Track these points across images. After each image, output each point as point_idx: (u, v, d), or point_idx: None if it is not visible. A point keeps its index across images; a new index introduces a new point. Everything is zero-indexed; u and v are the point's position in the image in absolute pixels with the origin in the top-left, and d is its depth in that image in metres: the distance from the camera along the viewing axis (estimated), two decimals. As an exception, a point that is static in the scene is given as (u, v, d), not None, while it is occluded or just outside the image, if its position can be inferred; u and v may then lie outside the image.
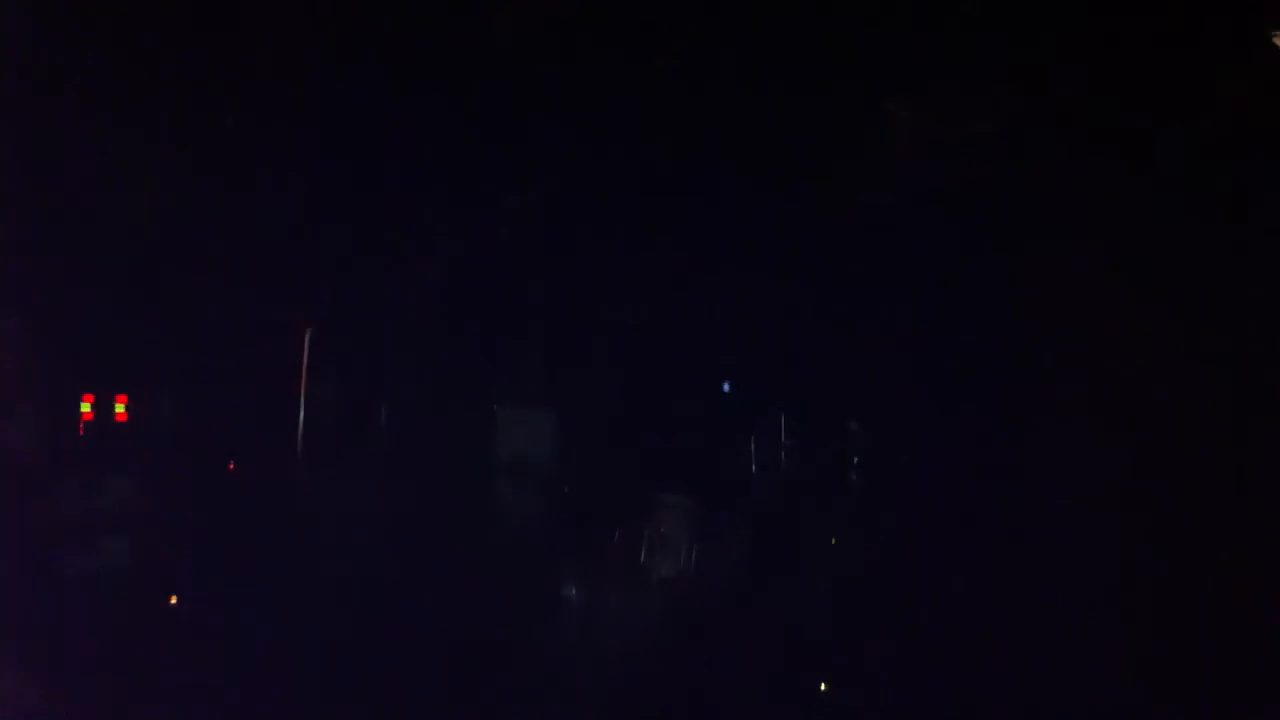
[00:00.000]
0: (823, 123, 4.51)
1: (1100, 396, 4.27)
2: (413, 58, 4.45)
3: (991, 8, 4.19)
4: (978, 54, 4.31)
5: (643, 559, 4.90)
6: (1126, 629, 4.09)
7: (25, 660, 3.96)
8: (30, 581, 4.08)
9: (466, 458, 4.94)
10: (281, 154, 4.51)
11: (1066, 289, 4.33)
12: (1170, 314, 4.18)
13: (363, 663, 4.31)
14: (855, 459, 4.92)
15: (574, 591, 4.84)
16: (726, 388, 5.04)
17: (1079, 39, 4.16)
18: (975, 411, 4.45)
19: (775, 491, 4.98)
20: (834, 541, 4.82)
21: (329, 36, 4.36)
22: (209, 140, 4.41)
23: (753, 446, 4.99)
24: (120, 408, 4.50)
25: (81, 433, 4.44)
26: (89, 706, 4.01)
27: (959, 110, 4.48)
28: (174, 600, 4.45)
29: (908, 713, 4.31)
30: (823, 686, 4.53)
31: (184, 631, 4.38)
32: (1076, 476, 4.27)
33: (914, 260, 4.50)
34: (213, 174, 4.40)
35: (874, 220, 4.60)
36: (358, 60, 4.42)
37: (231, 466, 4.66)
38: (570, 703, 4.44)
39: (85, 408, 4.45)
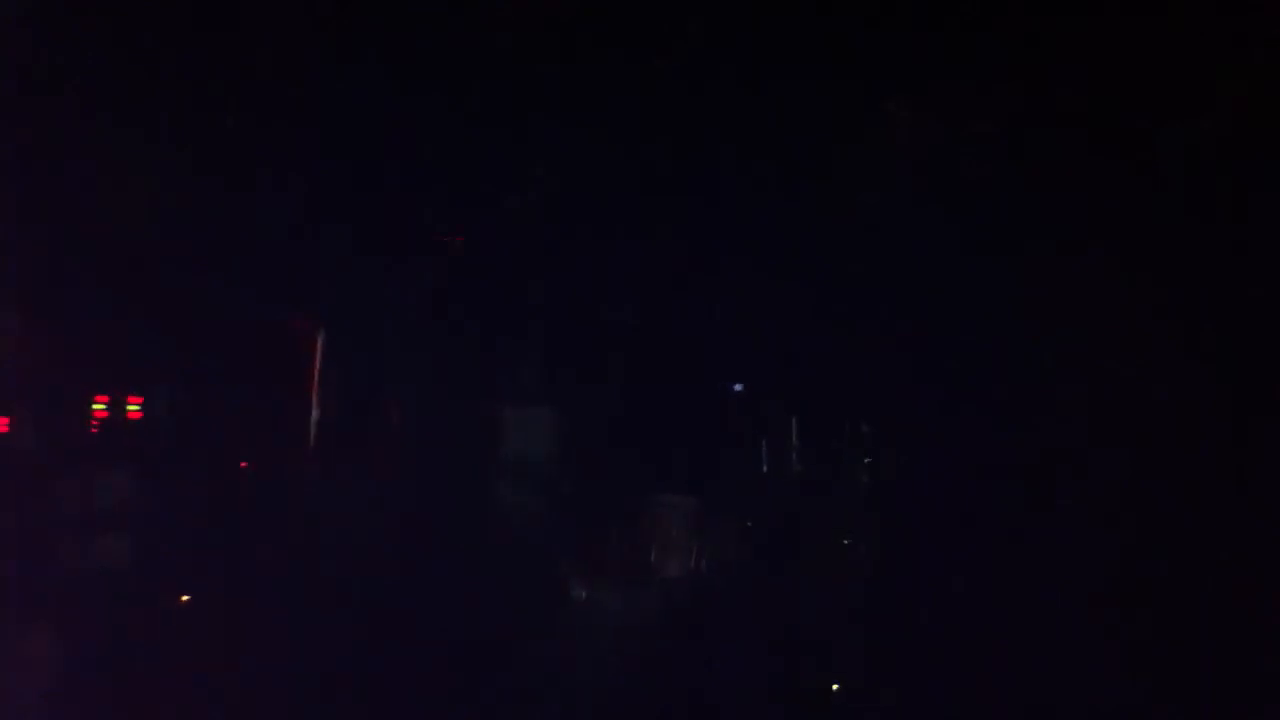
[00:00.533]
0: (823, 123, 4.51)
1: (1100, 396, 4.27)
2: (413, 58, 4.45)
3: (991, 8, 4.19)
4: (978, 54, 4.31)
5: (648, 559, 4.89)
6: (1127, 629, 4.09)
7: (36, 656, 3.97)
8: (43, 579, 4.09)
9: (474, 458, 4.94)
10: (285, 154, 4.51)
11: (1066, 289, 4.33)
12: (1170, 314, 4.18)
13: (371, 663, 4.31)
14: (857, 460, 4.91)
15: (578, 592, 4.84)
16: (738, 388, 5.03)
17: (1079, 39, 4.16)
18: (976, 412, 4.45)
19: (781, 492, 4.98)
20: (845, 543, 4.80)
21: (329, 36, 4.36)
22: (217, 142, 4.42)
23: (763, 448, 4.98)
24: (134, 407, 4.51)
25: (95, 432, 4.45)
26: (103, 702, 4.02)
27: (959, 110, 4.48)
28: (185, 599, 4.46)
29: (916, 714, 4.30)
30: (834, 687, 4.53)
31: (195, 629, 4.38)
32: (1077, 477, 4.27)
33: (913, 260, 4.50)
34: (219, 175, 4.41)
35: (874, 220, 4.59)
36: (358, 60, 4.42)
37: (244, 465, 4.67)
38: (577, 705, 4.44)
39: (99, 407, 4.46)
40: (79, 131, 4.23)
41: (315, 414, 4.77)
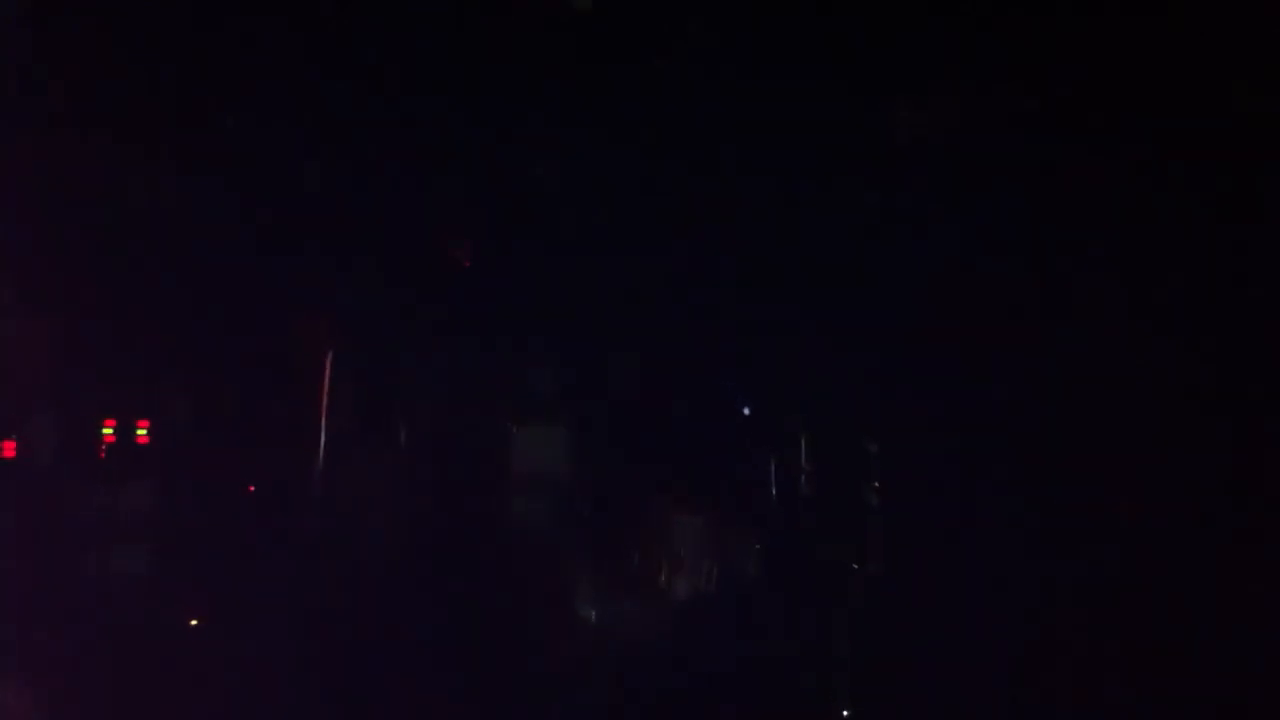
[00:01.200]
0: (823, 123, 4.52)
1: (1101, 396, 4.27)
2: (413, 58, 4.46)
3: (991, 8, 4.20)
4: (978, 54, 4.31)
5: (655, 575, 4.88)
6: (1127, 629, 4.09)
7: (44, 684, 3.98)
8: (52, 605, 4.10)
9: (486, 473, 4.91)
10: (286, 157, 4.52)
11: (1067, 289, 4.34)
12: (1171, 314, 4.18)
13: (380, 680, 4.31)
14: (864, 470, 4.89)
15: (584, 609, 4.82)
16: (746, 411, 5.01)
17: (1079, 39, 4.17)
18: (978, 414, 4.45)
19: (790, 507, 4.96)
20: (854, 556, 4.78)
21: (329, 36, 4.37)
22: (218, 144, 4.43)
23: (769, 464, 4.97)
24: (142, 431, 4.52)
25: (103, 456, 4.46)
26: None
27: (959, 110, 4.48)
28: (194, 623, 4.46)
29: None
30: (845, 714, 4.52)
31: (206, 653, 4.38)
32: (1079, 481, 4.27)
33: (913, 261, 4.50)
34: (220, 180, 4.42)
35: (873, 221, 4.59)
36: (358, 60, 4.43)
37: (251, 489, 4.66)
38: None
39: (107, 431, 4.47)
40: (80, 134, 4.25)
41: (321, 427, 4.76)
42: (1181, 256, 4.18)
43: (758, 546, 4.88)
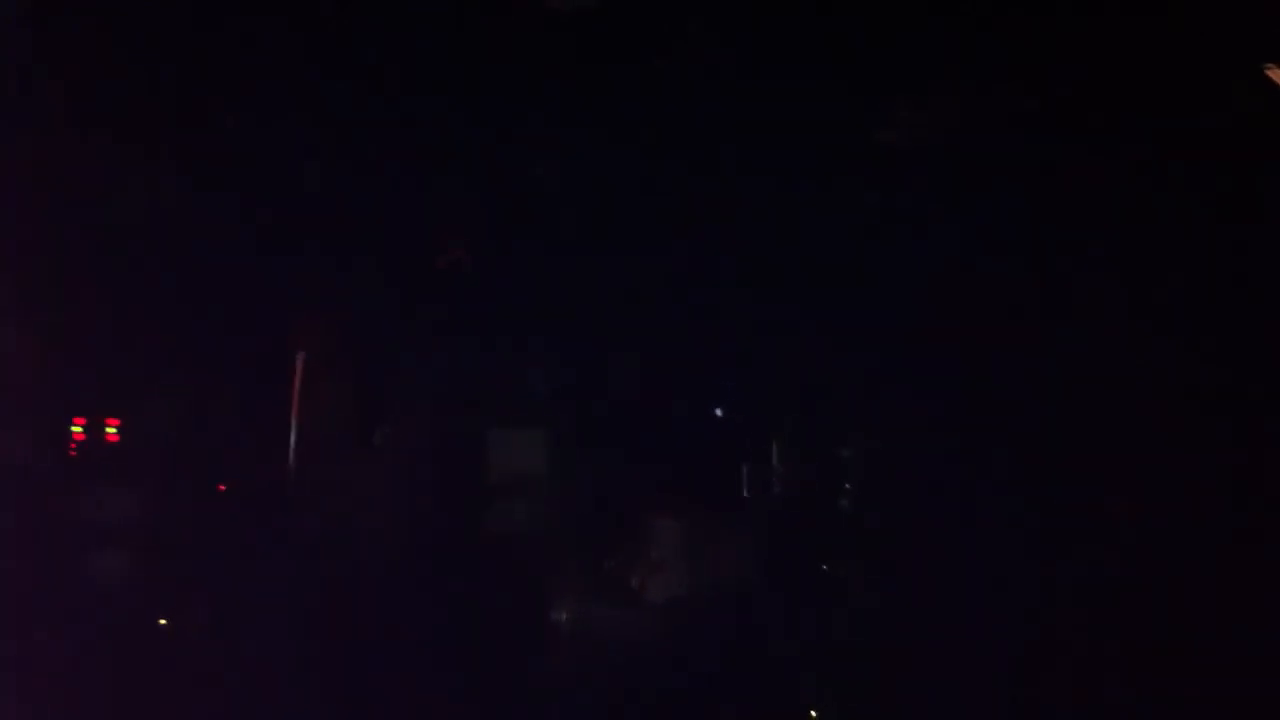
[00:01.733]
0: (821, 124, 4.52)
1: (1101, 396, 4.27)
2: (413, 58, 4.46)
3: (991, 8, 4.20)
4: (978, 54, 4.32)
5: (638, 578, 4.87)
6: (1127, 629, 4.09)
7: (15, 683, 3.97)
8: (21, 602, 4.07)
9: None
10: (278, 163, 4.51)
11: (1067, 289, 4.34)
12: (1171, 314, 4.18)
13: (357, 682, 4.30)
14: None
15: (565, 612, 4.81)
16: (719, 412, 5.01)
17: (1079, 39, 4.17)
18: (973, 417, 4.45)
19: (774, 512, 4.95)
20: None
21: (329, 36, 4.37)
22: (203, 158, 4.43)
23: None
24: (111, 429, 4.51)
25: (73, 454, 4.45)
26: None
27: (959, 110, 4.49)
28: (163, 622, 4.45)
29: None
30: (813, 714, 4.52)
31: (177, 652, 4.37)
32: (1083, 479, 4.27)
33: (913, 261, 4.50)
34: (210, 180, 4.42)
35: (873, 221, 4.59)
36: (358, 60, 4.43)
37: (222, 488, 4.65)
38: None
39: (76, 429, 4.46)
40: (80, 134, 4.25)
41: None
42: (1181, 256, 4.18)
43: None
